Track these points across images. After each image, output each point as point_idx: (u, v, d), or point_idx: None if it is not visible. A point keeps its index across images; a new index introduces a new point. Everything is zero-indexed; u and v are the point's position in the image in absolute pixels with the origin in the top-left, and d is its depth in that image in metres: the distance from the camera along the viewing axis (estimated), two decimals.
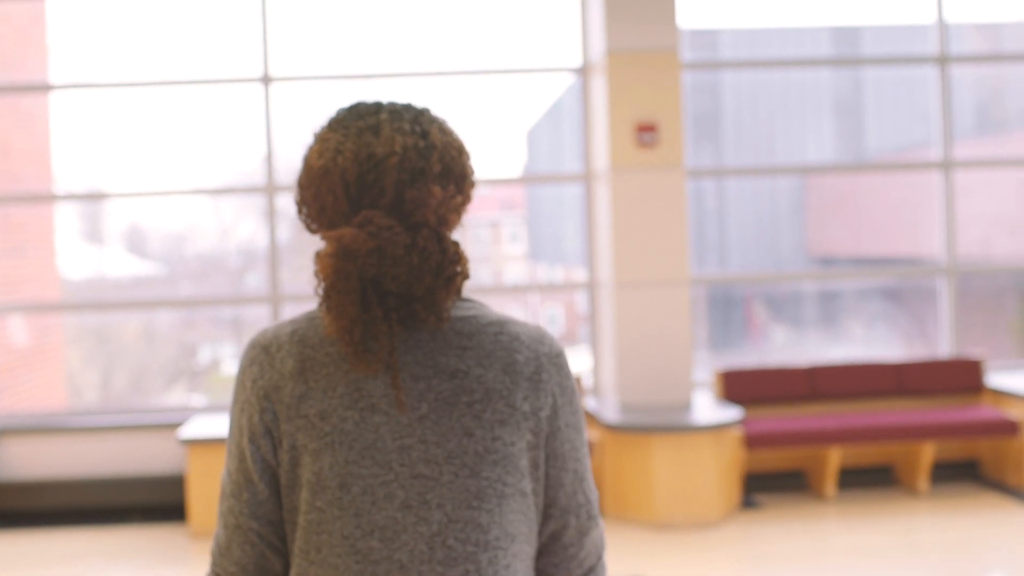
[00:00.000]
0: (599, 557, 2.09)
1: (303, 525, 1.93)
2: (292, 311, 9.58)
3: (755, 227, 15.28)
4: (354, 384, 1.92)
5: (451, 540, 1.90)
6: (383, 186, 1.94)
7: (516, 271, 13.05)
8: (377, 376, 1.91)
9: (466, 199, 2.05)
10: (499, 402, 1.94)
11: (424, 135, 1.99)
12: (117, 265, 12.10)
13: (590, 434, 8.74)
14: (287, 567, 2.01)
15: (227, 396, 10.07)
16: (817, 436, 8.71)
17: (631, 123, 8.94)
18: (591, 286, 9.61)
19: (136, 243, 12.24)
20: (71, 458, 9.15)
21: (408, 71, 9.65)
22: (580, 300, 12.47)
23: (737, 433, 8.69)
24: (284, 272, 9.73)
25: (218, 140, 10.65)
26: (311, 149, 2.02)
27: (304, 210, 2.03)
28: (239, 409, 1.99)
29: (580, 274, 10.87)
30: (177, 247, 12.38)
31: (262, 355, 1.98)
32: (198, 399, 12.33)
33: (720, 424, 8.37)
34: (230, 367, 11.95)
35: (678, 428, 8.30)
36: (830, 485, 8.87)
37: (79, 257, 11.84)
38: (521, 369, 1.98)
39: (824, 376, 9.32)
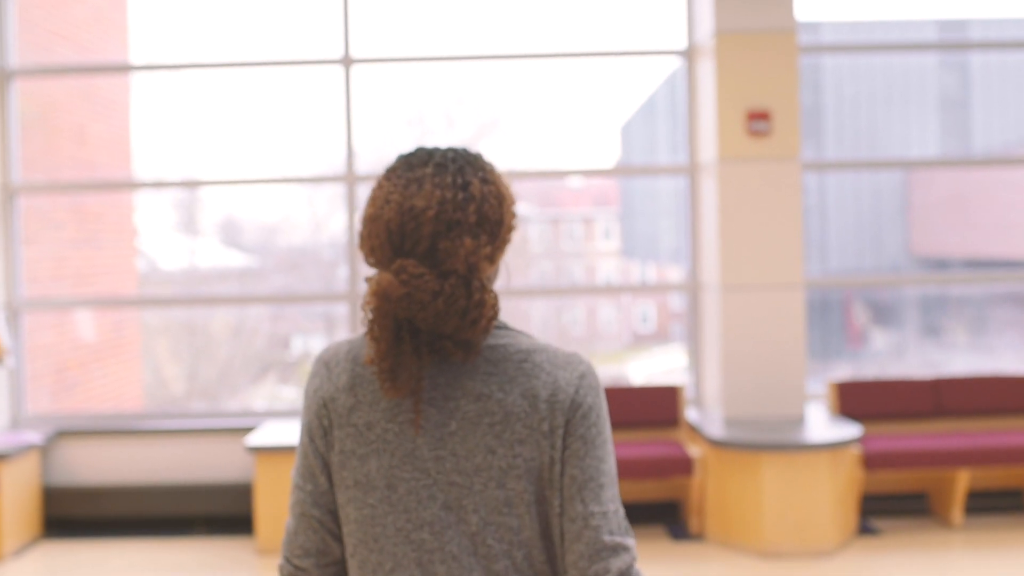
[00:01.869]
0: (606, 571, 2.04)
1: (359, 519, 2.08)
2: None
3: (856, 226, 14.09)
4: (395, 401, 2.07)
5: (490, 540, 2.03)
6: (420, 236, 2.04)
7: (608, 268, 12.31)
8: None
9: (500, 244, 2.13)
10: (517, 423, 2.04)
11: (465, 187, 2.07)
12: (210, 256, 11.37)
13: (693, 449, 7.60)
14: (343, 551, 2.16)
15: None
16: (944, 456, 7.48)
17: (742, 110, 7.75)
18: (693, 288, 8.42)
19: (231, 234, 11.58)
20: (133, 463, 8.16)
21: (496, 53, 8.50)
22: (673, 298, 11.54)
23: (855, 452, 7.48)
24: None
25: (300, 126, 9.62)
26: (372, 193, 2.13)
27: (362, 246, 2.13)
28: (305, 412, 2.16)
29: (674, 273, 10.05)
30: (270, 239, 11.69)
31: (323, 369, 2.16)
32: (288, 391, 11.67)
33: (838, 442, 7.18)
34: None
35: (791, 446, 7.11)
36: (957, 511, 7.63)
37: (170, 248, 11.09)
38: (539, 393, 2.06)
39: (950, 389, 8.06)
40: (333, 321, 10.78)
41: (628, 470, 7.43)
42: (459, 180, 2.08)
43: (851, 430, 7.36)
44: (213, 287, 11.19)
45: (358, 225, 2.20)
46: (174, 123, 9.93)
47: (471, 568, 2.04)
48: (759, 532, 7.15)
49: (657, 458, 7.48)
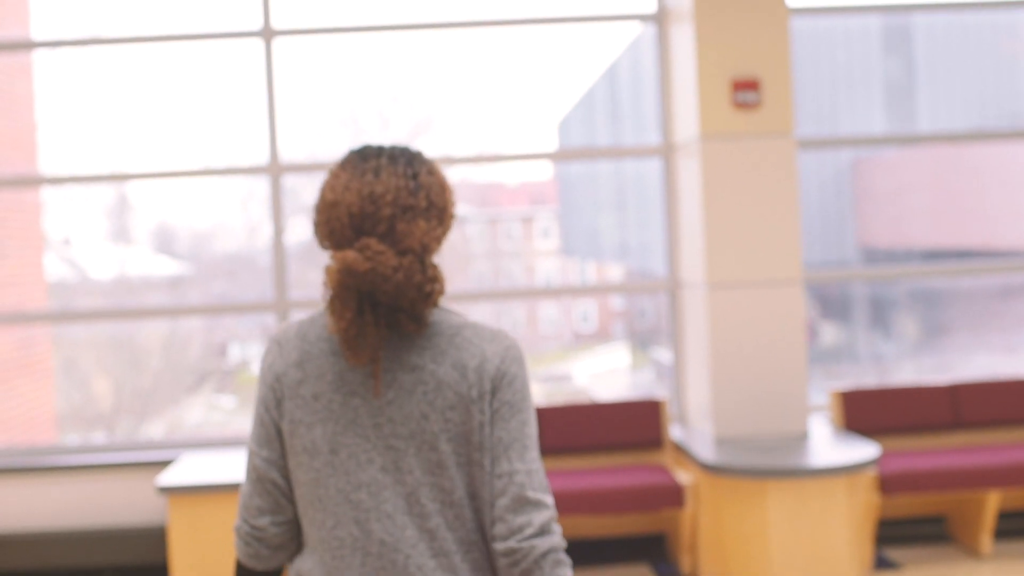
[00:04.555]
0: (529, 524, 2.05)
1: (305, 482, 2.13)
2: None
3: (804, 215, 12.62)
4: (339, 374, 2.12)
5: (423, 499, 2.07)
6: (380, 218, 2.13)
7: (548, 267, 10.99)
8: (355, 369, 2.12)
9: (446, 228, 2.23)
10: (448, 391, 2.09)
11: (415, 176, 2.17)
12: (141, 264, 9.78)
13: (681, 474, 5.95)
14: (295, 511, 2.21)
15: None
16: (972, 476, 5.91)
17: (726, 79, 6.15)
18: (672, 287, 6.76)
19: (164, 241, 10.02)
20: (33, 506, 6.42)
21: (435, 21, 6.81)
22: (614, 297, 10.37)
23: (872, 474, 5.87)
24: (307, 271, 7.19)
25: (221, 115, 7.88)
26: (325, 183, 2.20)
27: (318, 230, 2.20)
28: (260, 385, 2.21)
29: (615, 270, 9.22)
30: (204, 245, 10.18)
31: (276, 347, 2.20)
32: (227, 401, 10.24)
33: (854, 465, 5.55)
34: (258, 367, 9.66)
35: (801, 471, 5.50)
36: (986, 537, 6.06)
37: (97, 256, 9.45)
38: (467, 363, 2.11)
39: (970, 397, 6.49)
40: (269, 330, 9.26)
41: (608, 503, 5.79)
42: (409, 171, 2.17)
43: (867, 450, 5.76)
44: (144, 297, 9.54)
45: (313, 214, 2.20)
46: (82, 115, 8.20)
47: (404, 526, 2.08)
48: (766, 572, 5.52)
49: (641, 487, 5.84)
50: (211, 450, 6.63)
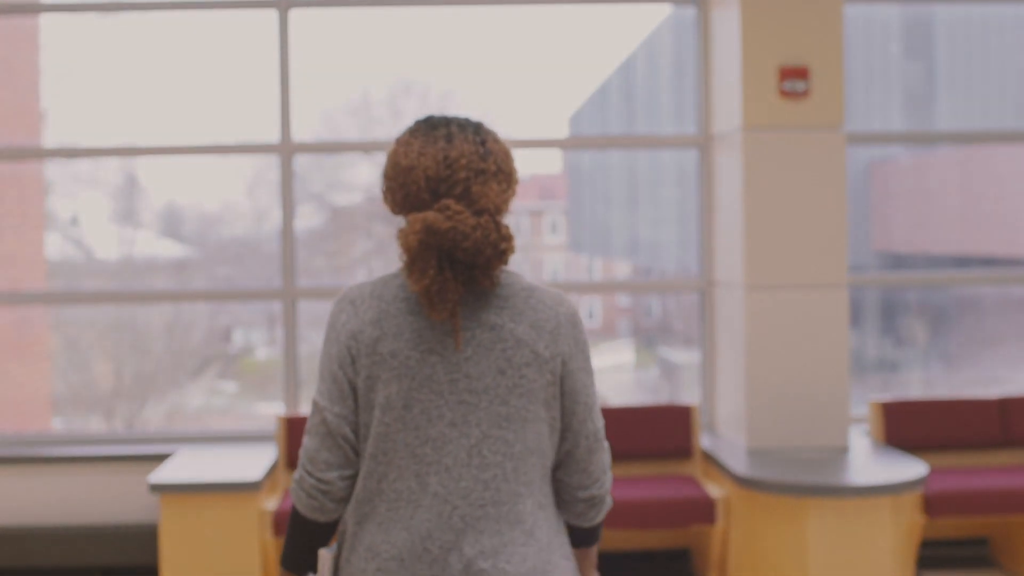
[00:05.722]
0: (604, 471, 2.26)
1: (374, 435, 2.16)
2: (309, 309, 6.29)
3: None
4: (416, 331, 2.15)
5: (485, 451, 2.13)
6: (456, 180, 2.18)
7: (555, 262, 10.75)
8: (434, 326, 2.15)
9: (513, 192, 2.29)
10: (525, 349, 2.15)
11: (483, 143, 2.24)
12: (146, 247, 9.32)
13: (711, 487, 5.37)
14: (359, 465, 2.23)
15: (261, 384, 9.37)
16: (1022, 498, 5.30)
17: (773, 66, 5.58)
18: (704, 286, 6.18)
19: (171, 224, 9.59)
20: (18, 500, 5.82)
21: None
22: (621, 294, 10.18)
23: (917, 494, 5.30)
24: (314, 259, 6.73)
25: (231, 90, 7.32)
26: (396, 151, 2.25)
27: (390, 196, 2.26)
28: (331, 343, 2.21)
29: (622, 268, 8.96)
30: (211, 229, 9.73)
31: (350, 307, 2.21)
32: (229, 386, 9.87)
33: (901, 484, 4.98)
34: (263, 353, 9.82)
35: (845, 489, 4.95)
36: None
37: (103, 236, 8.98)
38: (543, 324, 2.18)
39: (1020, 412, 5.88)
40: (274, 316, 8.95)
41: (633, 516, 5.23)
42: (477, 138, 2.23)
43: (914, 467, 5.19)
44: (148, 279, 9.08)
45: (380, 183, 2.25)
46: (87, 86, 7.68)
47: (460, 477, 2.12)
48: None
49: (670, 500, 5.29)
50: (210, 445, 6.07)
